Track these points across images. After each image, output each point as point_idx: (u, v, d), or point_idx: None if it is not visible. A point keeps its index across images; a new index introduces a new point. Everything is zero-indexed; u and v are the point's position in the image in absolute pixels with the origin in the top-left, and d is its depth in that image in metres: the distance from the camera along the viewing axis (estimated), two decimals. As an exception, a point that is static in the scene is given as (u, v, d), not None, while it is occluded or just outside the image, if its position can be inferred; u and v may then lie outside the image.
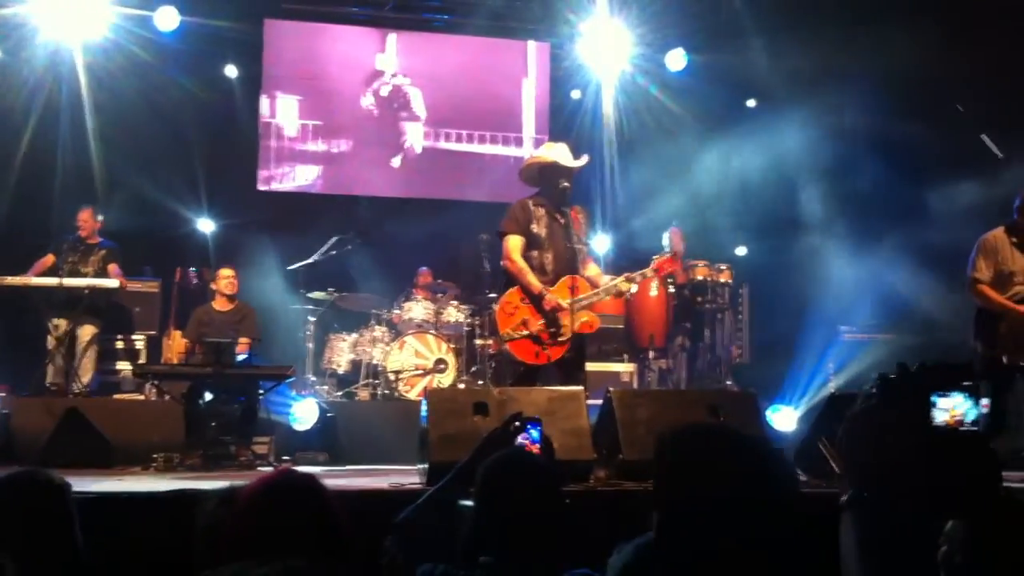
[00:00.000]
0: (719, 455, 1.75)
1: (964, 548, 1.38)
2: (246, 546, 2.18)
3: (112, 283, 8.82)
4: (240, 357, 8.58)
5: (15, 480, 2.78)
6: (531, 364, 6.41)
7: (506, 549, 2.85)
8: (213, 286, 9.30)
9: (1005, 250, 6.64)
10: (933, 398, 1.40)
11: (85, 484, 4.94)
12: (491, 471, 3.00)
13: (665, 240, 10.04)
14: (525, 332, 6.36)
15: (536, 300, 6.40)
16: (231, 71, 11.42)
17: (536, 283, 6.41)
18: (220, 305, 9.21)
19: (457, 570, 2.88)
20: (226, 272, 9.25)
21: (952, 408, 1.39)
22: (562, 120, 12.25)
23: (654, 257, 6.80)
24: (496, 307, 6.62)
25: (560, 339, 6.34)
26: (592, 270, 6.70)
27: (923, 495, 1.38)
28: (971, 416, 1.38)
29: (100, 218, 9.18)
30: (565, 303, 6.31)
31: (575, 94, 12.39)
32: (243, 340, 8.87)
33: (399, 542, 3.16)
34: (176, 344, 9.16)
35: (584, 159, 6.80)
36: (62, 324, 8.71)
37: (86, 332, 8.84)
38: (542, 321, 6.36)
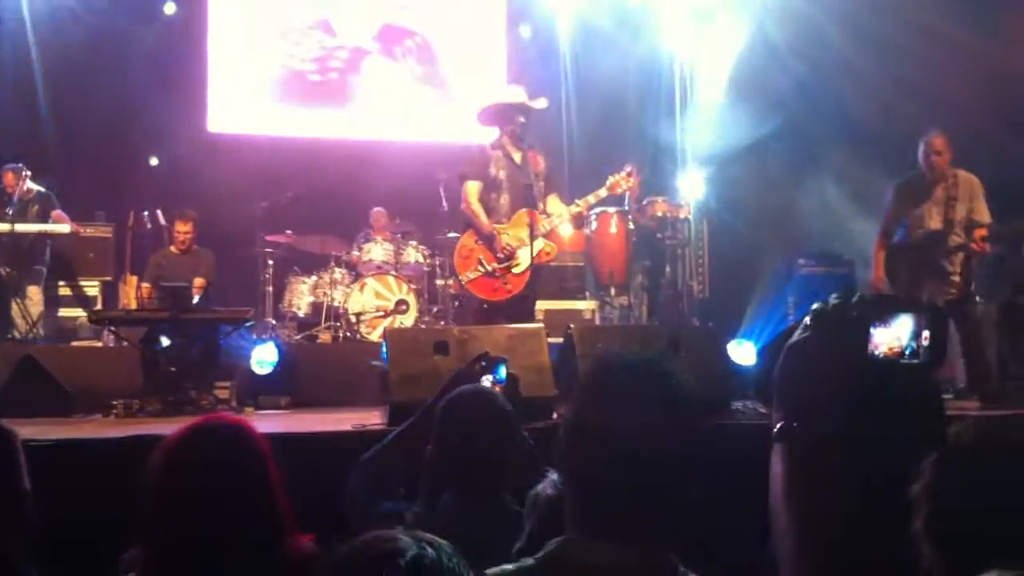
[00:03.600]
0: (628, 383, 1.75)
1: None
2: (166, 498, 2.16)
3: (64, 228, 8.67)
4: (194, 300, 8.53)
5: None
6: (494, 300, 6.57)
7: (466, 486, 2.86)
8: (176, 236, 9.19)
9: (912, 195, 6.89)
10: (871, 329, 1.39)
11: (42, 432, 4.89)
12: (450, 408, 3.01)
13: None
14: (482, 270, 6.52)
15: (488, 240, 6.57)
16: (170, 8, 11.16)
17: (487, 224, 6.64)
18: (176, 250, 9.14)
19: (418, 508, 2.89)
20: (181, 227, 9.10)
21: (891, 340, 1.38)
22: (517, 58, 12.12)
23: (608, 176, 6.88)
24: (454, 252, 6.80)
25: (517, 271, 6.49)
26: (553, 204, 6.83)
27: (856, 427, 1.37)
28: (911, 348, 1.37)
29: (26, 174, 8.63)
30: (515, 242, 6.55)
31: (525, 31, 12.23)
32: (197, 282, 8.82)
33: (362, 481, 3.16)
34: (132, 289, 9.05)
35: (541, 102, 6.88)
36: (11, 273, 8.54)
37: (33, 292, 8.68)
38: (497, 259, 6.52)
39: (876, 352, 1.44)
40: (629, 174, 6.91)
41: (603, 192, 6.86)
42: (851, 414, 1.36)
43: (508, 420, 2.97)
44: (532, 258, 6.53)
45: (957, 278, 6.68)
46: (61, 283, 9.28)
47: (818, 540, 1.32)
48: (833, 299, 1.45)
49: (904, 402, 1.43)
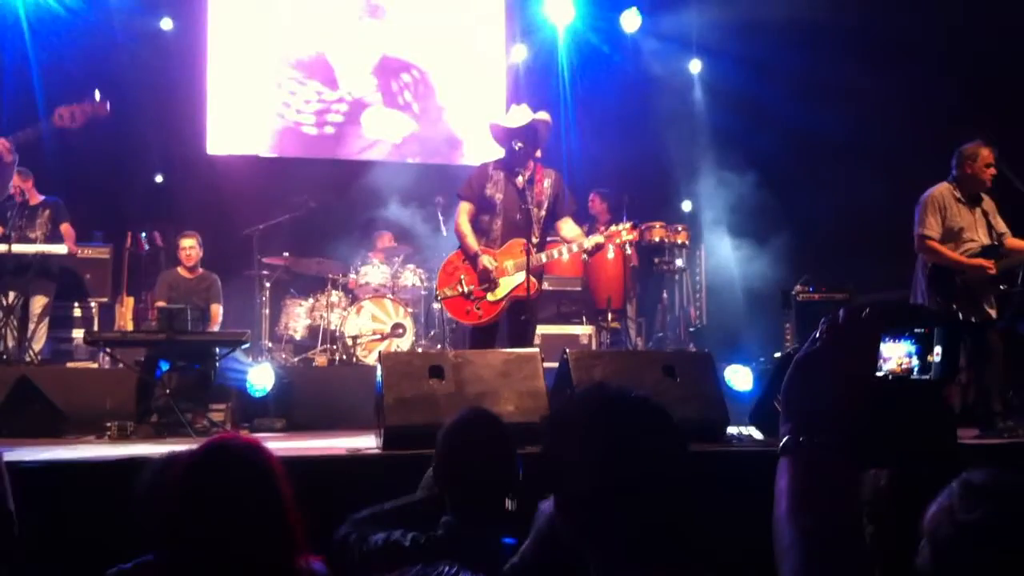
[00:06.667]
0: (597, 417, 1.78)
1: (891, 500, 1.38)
2: (183, 514, 2.16)
3: (61, 249, 8.67)
4: (216, 327, 8.70)
5: None
6: (466, 323, 6.65)
7: (466, 508, 2.87)
8: (180, 254, 9.17)
9: (952, 206, 6.64)
10: (881, 344, 1.38)
11: (35, 453, 4.88)
12: (450, 432, 3.03)
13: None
14: (459, 290, 6.47)
15: (474, 261, 6.53)
16: (166, 24, 11.16)
17: (473, 245, 6.55)
18: (185, 272, 9.10)
19: (414, 534, 2.88)
20: (186, 243, 9.05)
21: (901, 356, 1.36)
22: (516, 82, 12.17)
23: (612, 224, 6.83)
24: (441, 267, 6.77)
25: (492, 299, 6.44)
26: (567, 228, 6.71)
27: (865, 444, 1.36)
28: (920, 364, 1.36)
29: (28, 178, 8.71)
30: (492, 265, 6.45)
31: (520, 52, 12.25)
32: (216, 309, 8.89)
33: (353, 530, 3.08)
34: (128, 311, 9.03)
35: (521, 119, 6.69)
36: (11, 292, 8.54)
37: (38, 303, 8.67)
38: (477, 281, 6.49)
39: (883, 367, 1.43)
40: (633, 227, 6.75)
41: (600, 239, 6.66)
42: (859, 429, 1.36)
43: (507, 443, 3.00)
44: (507, 292, 6.45)
45: (993, 297, 6.53)
46: (58, 303, 9.24)
47: (822, 557, 1.31)
48: (844, 311, 1.44)
49: (914, 418, 1.43)
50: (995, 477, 1.54)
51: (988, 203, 6.73)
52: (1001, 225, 6.69)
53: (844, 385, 1.37)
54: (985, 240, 6.61)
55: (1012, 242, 6.65)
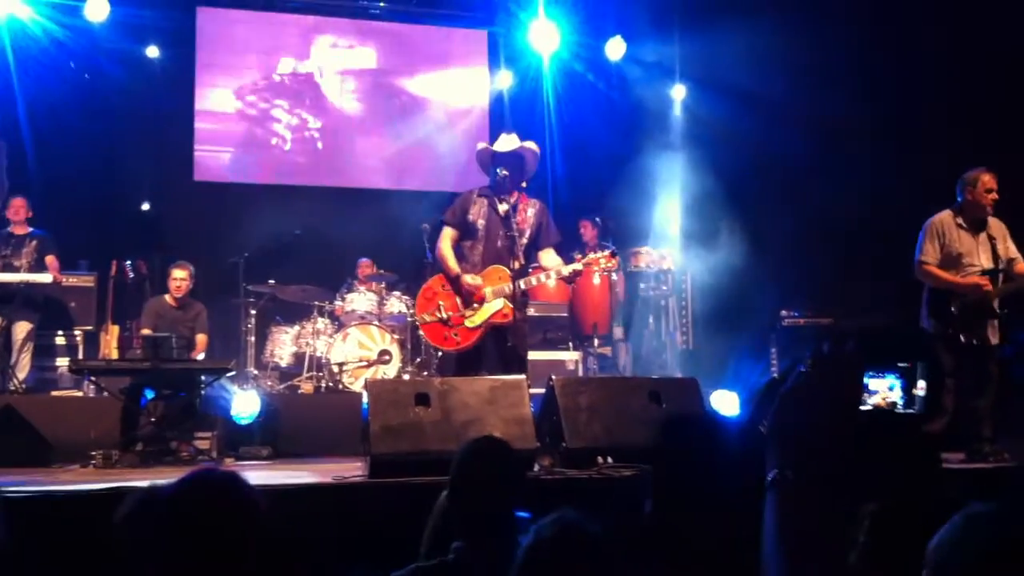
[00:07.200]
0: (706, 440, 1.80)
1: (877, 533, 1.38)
2: (163, 547, 2.16)
3: (46, 278, 8.62)
4: (200, 355, 8.52)
5: None
6: (444, 349, 6.71)
7: (479, 534, 2.90)
8: (170, 283, 9.05)
9: (952, 232, 6.70)
10: (866, 379, 1.37)
11: (20, 483, 4.85)
12: (464, 457, 3.07)
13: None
14: (438, 316, 6.47)
15: (454, 283, 6.54)
16: (152, 51, 11.14)
17: (454, 267, 6.57)
18: (172, 301, 8.95)
19: (413, 565, 2.90)
20: (178, 273, 8.77)
21: (885, 390, 1.36)
22: (500, 110, 12.24)
23: (590, 255, 6.81)
24: (419, 292, 6.77)
25: (470, 326, 6.43)
26: (547, 258, 6.71)
27: (851, 478, 1.37)
28: (904, 398, 1.35)
29: (29, 210, 8.87)
30: (477, 283, 6.45)
31: (505, 79, 12.34)
32: (202, 339, 8.75)
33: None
34: (113, 339, 8.99)
35: (507, 146, 6.72)
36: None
37: (21, 328, 8.64)
38: (456, 307, 6.48)
39: (867, 402, 1.44)
40: (612, 255, 6.75)
41: (579, 266, 6.62)
42: (843, 464, 1.36)
43: (518, 467, 3.05)
44: (486, 318, 6.45)
45: (996, 321, 6.60)
46: (43, 332, 9.20)
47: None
48: (830, 345, 1.45)
49: (897, 452, 1.44)
50: (1000, 507, 1.54)
51: (997, 228, 6.76)
52: (1012, 251, 6.73)
53: (829, 419, 1.38)
54: (987, 265, 6.65)
55: (1022, 267, 6.71)
